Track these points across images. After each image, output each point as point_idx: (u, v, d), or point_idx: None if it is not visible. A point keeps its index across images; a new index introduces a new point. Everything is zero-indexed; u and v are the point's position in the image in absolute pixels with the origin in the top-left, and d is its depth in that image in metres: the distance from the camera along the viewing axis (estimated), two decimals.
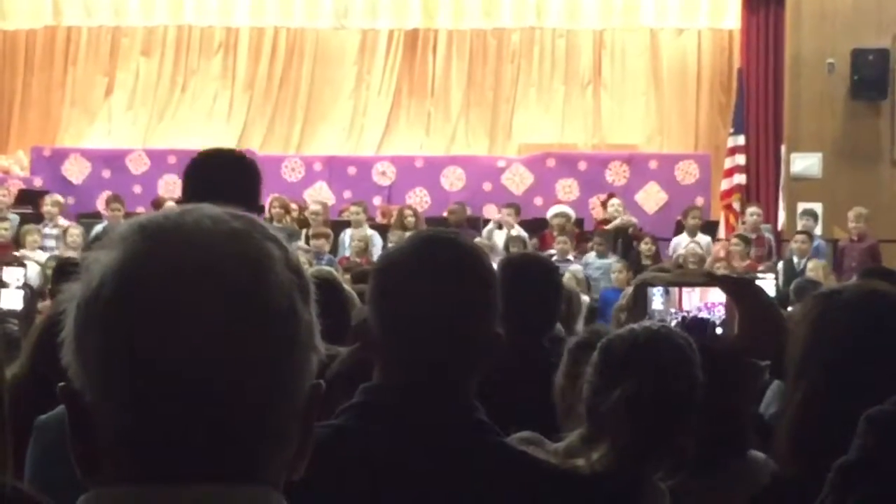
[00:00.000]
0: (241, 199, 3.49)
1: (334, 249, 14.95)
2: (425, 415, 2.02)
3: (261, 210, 3.63)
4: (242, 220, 1.16)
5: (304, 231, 15.10)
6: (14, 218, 15.18)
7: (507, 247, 14.31)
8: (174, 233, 1.13)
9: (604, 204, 16.38)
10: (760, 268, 13.22)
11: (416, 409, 2.03)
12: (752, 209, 15.40)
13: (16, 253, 13.79)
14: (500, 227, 15.54)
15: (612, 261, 14.21)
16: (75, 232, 14.66)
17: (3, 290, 6.25)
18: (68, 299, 1.14)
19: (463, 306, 2.06)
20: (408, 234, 14.81)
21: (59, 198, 15.91)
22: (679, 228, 15.59)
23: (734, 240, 14.46)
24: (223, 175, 3.62)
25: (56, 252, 14.12)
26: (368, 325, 2.09)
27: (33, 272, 13.16)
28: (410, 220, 15.39)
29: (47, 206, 15.35)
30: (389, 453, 1.99)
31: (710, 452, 2.78)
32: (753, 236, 14.62)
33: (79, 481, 1.14)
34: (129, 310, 1.09)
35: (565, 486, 2.08)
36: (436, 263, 2.06)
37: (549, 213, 15.80)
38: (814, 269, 12.77)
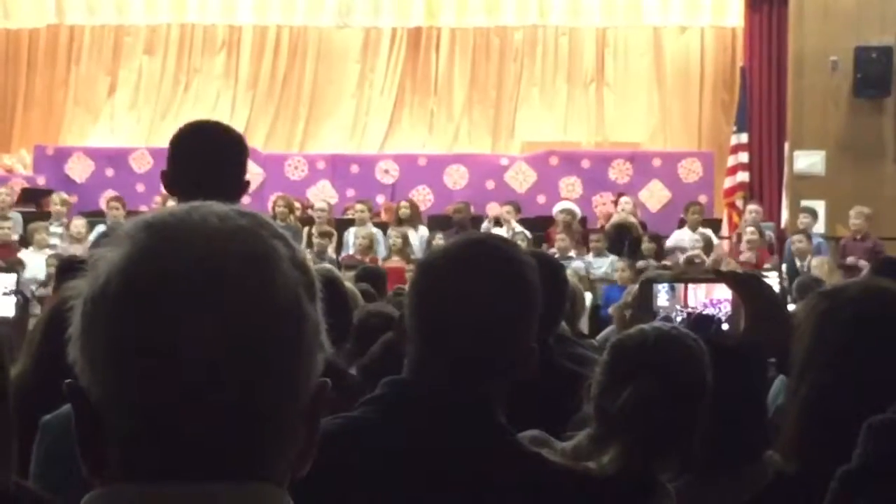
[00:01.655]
0: (223, 170, 3.48)
1: (338, 248, 14.96)
2: (443, 414, 2.02)
3: (246, 185, 3.59)
4: (249, 218, 1.16)
5: (306, 229, 15.07)
6: (16, 217, 15.16)
7: None
8: (181, 230, 1.12)
9: (615, 203, 16.29)
10: (767, 265, 13.20)
11: (435, 408, 2.02)
12: (751, 206, 15.41)
13: (21, 253, 13.79)
14: (498, 223, 15.52)
15: (612, 259, 14.20)
16: (79, 223, 14.67)
17: None
18: (74, 296, 1.14)
19: (499, 317, 2.05)
20: (404, 227, 14.89)
21: (67, 196, 15.90)
22: (682, 224, 15.58)
23: (750, 228, 14.42)
24: (205, 147, 3.59)
25: (59, 249, 14.11)
26: (402, 323, 2.10)
27: (39, 268, 13.18)
28: (405, 212, 15.39)
29: (56, 206, 15.35)
30: (404, 450, 1.99)
31: (715, 452, 2.78)
32: (756, 236, 14.63)
33: (83, 480, 1.14)
34: (135, 307, 1.09)
35: (578, 487, 2.08)
36: (480, 270, 2.05)
37: (555, 209, 15.79)
38: (818, 265, 12.74)
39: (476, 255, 2.09)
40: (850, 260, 13.78)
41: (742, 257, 14.02)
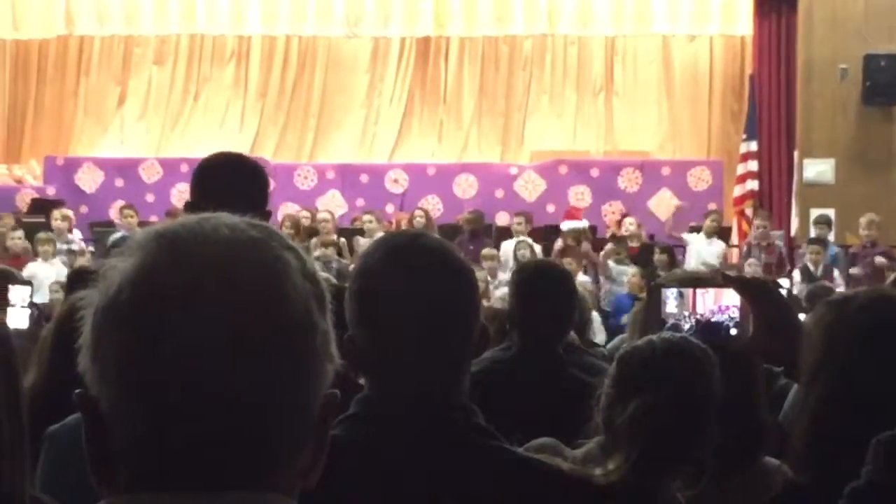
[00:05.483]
0: (248, 203, 3.50)
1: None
2: (424, 422, 1.99)
3: (268, 215, 3.64)
4: (260, 229, 1.16)
5: (313, 241, 14.99)
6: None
7: (514, 253, 14.18)
8: (191, 241, 1.13)
9: (618, 223, 16.06)
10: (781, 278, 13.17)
11: (415, 417, 1.99)
12: (758, 221, 15.31)
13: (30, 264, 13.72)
14: (508, 234, 15.45)
15: (630, 269, 14.04)
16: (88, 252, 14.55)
17: (10, 309, 6.21)
18: (86, 306, 1.14)
19: (453, 306, 2.02)
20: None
21: (68, 212, 15.66)
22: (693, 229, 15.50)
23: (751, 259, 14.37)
24: (232, 179, 3.63)
25: (64, 262, 14.02)
26: (352, 342, 2.02)
27: (47, 278, 13.12)
28: (420, 220, 15.32)
29: (56, 221, 14.95)
30: (389, 463, 1.96)
31: (723, 458, 2.78)
32: (764, 243, 14.62)
33: (89, 492, 1.14)
34: (145, 317, 1.09)
35: (577, 493, 2.06)
36: (417, 269, 2.01)
37: (564, 228, 15.58)
38: None
39: (404, 257, 2.04)
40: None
41: (749, 270, 13.98)
